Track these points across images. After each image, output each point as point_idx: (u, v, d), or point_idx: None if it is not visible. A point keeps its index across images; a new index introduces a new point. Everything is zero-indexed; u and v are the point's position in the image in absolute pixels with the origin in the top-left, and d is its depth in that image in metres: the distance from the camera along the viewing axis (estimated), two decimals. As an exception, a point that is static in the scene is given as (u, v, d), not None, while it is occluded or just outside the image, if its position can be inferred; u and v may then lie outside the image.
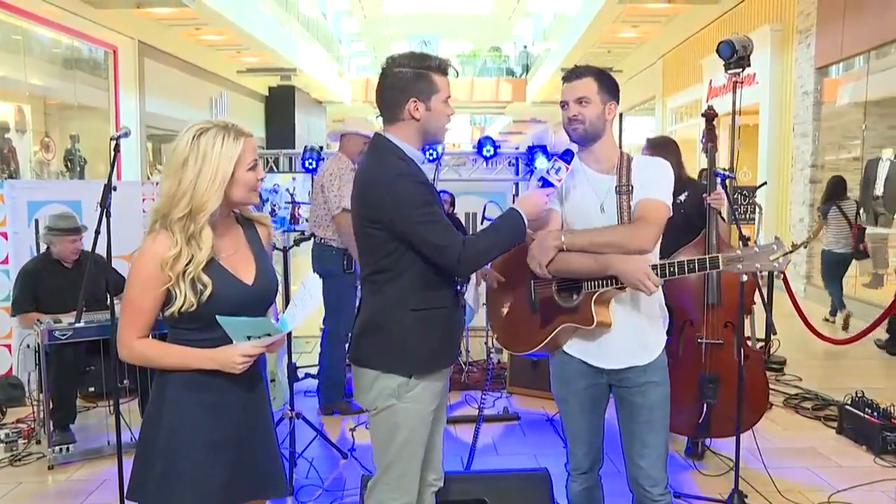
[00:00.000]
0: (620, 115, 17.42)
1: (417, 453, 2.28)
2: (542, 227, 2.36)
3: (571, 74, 2.38)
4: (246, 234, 2.07)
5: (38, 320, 4.15)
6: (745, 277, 2.28)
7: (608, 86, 2.36)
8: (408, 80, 2.21)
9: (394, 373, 2.22)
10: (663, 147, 4.13)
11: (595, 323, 2.30)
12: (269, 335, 1.91)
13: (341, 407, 4.82)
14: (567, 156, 2.32)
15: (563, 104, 2.36)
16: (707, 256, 2.25)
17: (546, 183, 2.29)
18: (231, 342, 1.91)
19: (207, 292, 1.88)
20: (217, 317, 1.83)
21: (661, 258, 2.36)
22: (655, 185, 2.33)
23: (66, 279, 4.50)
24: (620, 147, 2.52)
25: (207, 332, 1.91)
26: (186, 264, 1.86)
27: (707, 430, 3.76)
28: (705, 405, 3.65)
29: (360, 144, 4.62)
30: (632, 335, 2.37)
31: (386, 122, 2.28)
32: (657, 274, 2.21)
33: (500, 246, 2.23)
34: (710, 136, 3.79)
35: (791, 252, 2.20)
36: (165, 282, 1.87)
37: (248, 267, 2.01)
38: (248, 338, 1.90)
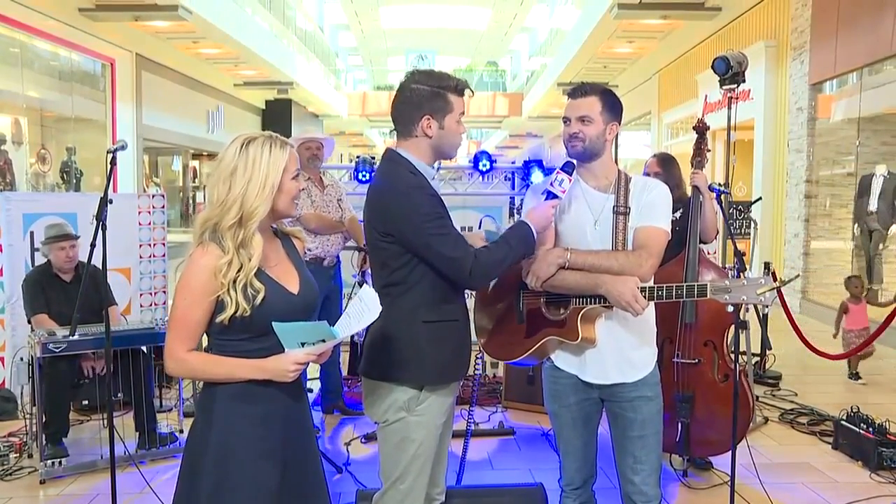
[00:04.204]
0: (616, 129, 17.47)
1: (426, 467, 2.28)
2: (538, 241, 2.37)
3: (577, 92, 2.39)
4: (284, 246, 2.11)
5: (31, 332, 4.13)
6: (730, 308, 2.30)
7: (612, 106, 2.37)
8: (424, 97, 2.23)
9: (405, 385, 2.22)
10: (671, 162, 4.15)
11: (580, 338, 2.31)
12: (323, 341, 1.90)
13: (340, 406, 4.98)
14: (568, 167, 2.34)
15: (566, 120, 2.38)
16: (696, 284, 2.29)
17: (550, 195, 2.31)
18: (281, 351, 1.91)
19: (260, 298, 1.90)
20: (273, 323, 1.84)
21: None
22: (657, 213, 2.35)
23: (65, 293, 4.48)
24: (616, 164, 2.53)
25: (258, 341, 1.93)
26: (237, 271, 1.89)
27: (686, 449, 3.76)
28: (680, 424, 3.65)
29: (304, 151, 4.67)
30: (618, 352, 2.37)
31: (399, 136, 2.30)
32: (645, 297, 2.22)
33: (510, 258, 2.24)
34: (697, 151, 3.79)
35: (779, 287, 2.21)
36: (217, 290, 1.88)
37: (292, 277, 2.05)
38: (302, 345, 1.89)
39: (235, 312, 1.88)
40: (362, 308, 1.94)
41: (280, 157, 1.95)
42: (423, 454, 2.25)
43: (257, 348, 1.93)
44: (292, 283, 2.03)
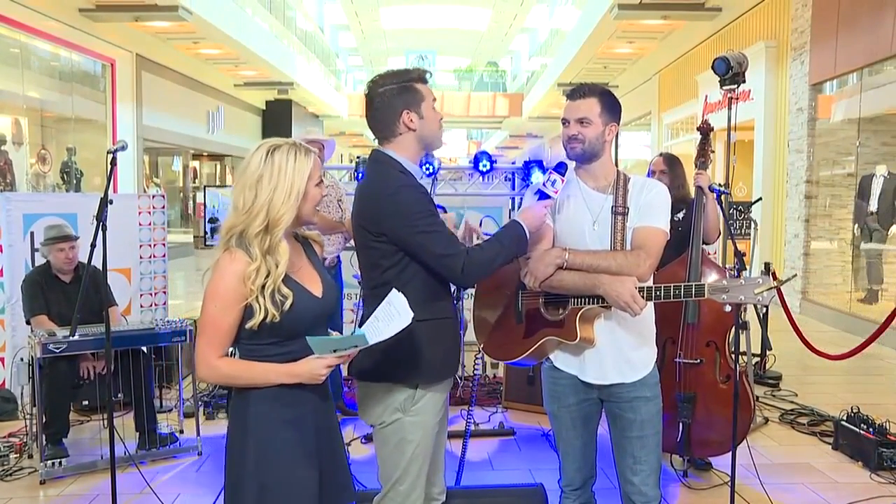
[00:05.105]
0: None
1: (424, 466, 2.28)
2: (536, 241, 2.37)
3: (575, 93, 2.39)
4: (305, 251, 2.13)
5: (31, 332, 4.13)
6: (728, 308, 2.31)
7: (611, 107, 2.37)
8: (396, 95, 2.24)
9: (401, 384, 2.22)
10: (677, 162, 4.14)
11: (578, 338, 2.31)
12: (355, 347, 1.92)
13: (340, 406, 4.97)
14: (561, 168, 2.34)
15: (565, 122, 2.38)
16: (693, 284, 2.28)
17: (543, 195, 2.32)
18: (308, 354, 1.93)
19: (289, 303, 1.93)
20: (307, 338, 1.86)
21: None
22: (655, 213, 2.35)
23: (65, 293, 4.47)
24: (617, 165, 2.53)
25: (286, 345, 1.96)
26: (266, 277, 1.90)
27: (687, 449, 3.76)
28: (681, 424, 3.65)
29: None
30: (617, 352, 2.37)
31: (383, 141, 2.29)
32: (643, 297, 2.22)
33: (503, 256, 2.24)
34: (701, 152, 3.79)
35: (776, 287, 2.21)
36: (246, 296, 1.90)
37: (315, 281, 2.07)
38: (334, 350, 1.92)
39: (265, 318, 1.90)
40: (391, 312, 1.95)
41: (305, 164, 1.97)
42: (421, 454, 2.26)
43: (285, 352, 1.96)
44: (315, 287, 2.05)
